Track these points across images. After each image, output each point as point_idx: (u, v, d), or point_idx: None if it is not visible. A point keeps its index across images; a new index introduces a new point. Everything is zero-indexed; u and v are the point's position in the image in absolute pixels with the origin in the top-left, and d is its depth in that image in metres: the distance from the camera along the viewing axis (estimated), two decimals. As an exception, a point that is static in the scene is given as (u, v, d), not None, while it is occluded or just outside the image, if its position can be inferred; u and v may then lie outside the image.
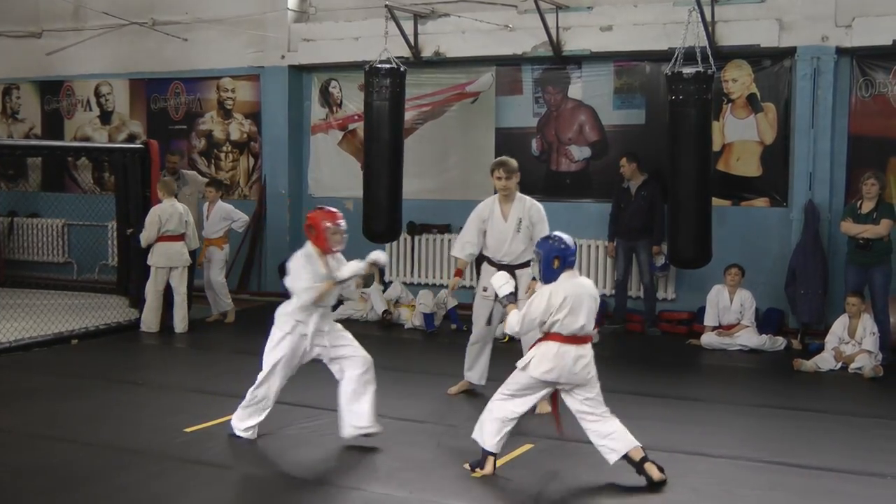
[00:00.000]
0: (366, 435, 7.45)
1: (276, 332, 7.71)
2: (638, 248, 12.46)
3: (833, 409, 8.87)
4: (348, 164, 14.80)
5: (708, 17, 11.82)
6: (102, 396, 9.04)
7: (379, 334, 12.47)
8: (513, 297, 6.97)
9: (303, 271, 7.66)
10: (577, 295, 6.61)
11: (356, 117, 14.63)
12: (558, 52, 13.05)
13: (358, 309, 13.28)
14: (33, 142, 16.26)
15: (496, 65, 13.76)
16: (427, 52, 13.77)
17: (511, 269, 8.58)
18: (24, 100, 17.39)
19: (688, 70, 10.97)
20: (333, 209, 7.84)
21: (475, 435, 6.86)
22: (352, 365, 7.62)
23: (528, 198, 8.91)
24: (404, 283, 14.00)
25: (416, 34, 13.71)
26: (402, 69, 12.62)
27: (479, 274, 9.35)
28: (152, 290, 12.24)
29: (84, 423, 8.08)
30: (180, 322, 12.30)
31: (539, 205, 8.89)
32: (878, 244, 10.73)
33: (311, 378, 9.79)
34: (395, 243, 14.13)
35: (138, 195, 12.74)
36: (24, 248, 17.00)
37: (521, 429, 7.90)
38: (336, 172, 14.90)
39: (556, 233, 6.94)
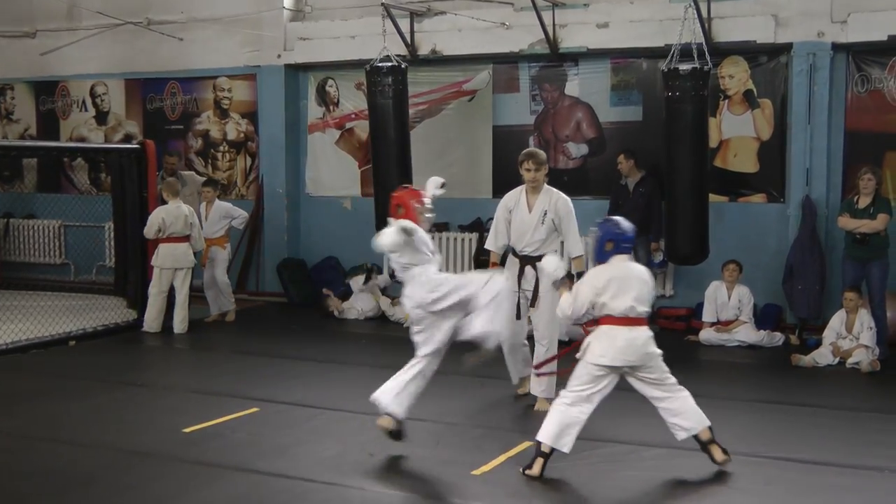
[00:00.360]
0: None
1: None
2: (636, 245, 12.43)
3: (831, 404, 8.89)
4: (346, 163, 14.80)
5: (704, 14, 11.82)
6: (101, 398, 9.01)
7: (374, 332, 12.49)
8: (566, 280, 6.99)
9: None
10: (623, 277, 6.68)
11: (353, 116, 14.63)
12: (555, 49, 13.05)
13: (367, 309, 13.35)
14: (29, 143, 16.21)
15: (493, 63, 13.76)
16: (423, 51, 13.76)
17: (532, 260, 8.58)
18: (18, 100, 17.35)
19: (684, 66, 10.99)
20: (416, 188, 7.88)
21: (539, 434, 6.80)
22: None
23: (555, 190, 8.81)
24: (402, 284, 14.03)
25: (412, 32, 13.70)
26: (403, 66, 12.62)
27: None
28: (156, 291, 12.24)
29: (83, 425, 8.08)
30: (180, 323, 12.29)
31: (567, 198, 8.79)
32: (875, 239, 10.75)
33: (311, 378, 9.84)
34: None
35: (135, 196, 12.70)
36: (20, 250, 16.96)
37: (522, 427, 7.95)
38: (334, 171, 14.90)
39: (617, 217, 7.03)
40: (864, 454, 7.30)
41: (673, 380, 6.83)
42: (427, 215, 7.62)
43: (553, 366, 8.32)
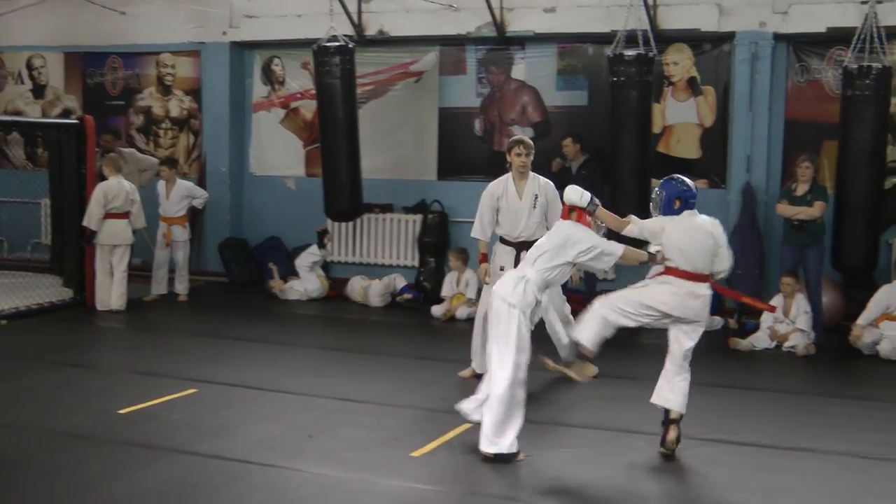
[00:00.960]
0: None
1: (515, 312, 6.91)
2: None
3: (768, 387, 9.02)
4: (290, 142, 14.70)
5: (650, 1, 11.91)
6: (34, 378, 8.87)
7: (326, 314, 12.46)
8: (595, 202, 7.00)
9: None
10: (688, 229, 6.84)
11: (299, 95, 14.53)
12: (502, 32, 13.05)
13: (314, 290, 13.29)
14: (-38, 116, 15.89)
15: (440, 44, 13.73)
16: (371, 31, 13.69)
17: (528, 245, 8.34)
18: (-47, 72, 17.03)
19: (630, 53, 11.06)
20: None
21: (575, 334, 6.97)
22: None
23: (539, 176, 8.99)
24: (346, 264, 14.03)
25: (359, 12, 13.62)
26: (350, 46, 12.55)
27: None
28: (99, 268, 12.13)
29: (14, 406, 7.95)
30: (118, 299, 12.15)
31: (551, 183, 8.98)
32: (812, 226, 10.89)
33: (251, 359, 9.79)
34: (337, 224, 14.09)
35: (73, 172, 12.51)
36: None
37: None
38: (278, 151, 14.79)
39: (678, 175, 7.16)
40: (800, 436, 7.43)
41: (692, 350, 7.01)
42: None
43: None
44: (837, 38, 11.70)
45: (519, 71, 13.43)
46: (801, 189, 11.01)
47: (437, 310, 12.18)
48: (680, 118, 12.69)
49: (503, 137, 13.44)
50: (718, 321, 11.72)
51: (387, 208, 14.05)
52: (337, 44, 12.46)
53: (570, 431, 7.50)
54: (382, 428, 7.47)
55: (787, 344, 10.58)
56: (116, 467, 6.50)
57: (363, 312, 12.64)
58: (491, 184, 9.07)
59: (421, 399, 8.28)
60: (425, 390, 8.61)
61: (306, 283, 13.32)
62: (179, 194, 13.11)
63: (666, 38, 12.33)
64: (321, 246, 13.49)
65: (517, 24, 13.03)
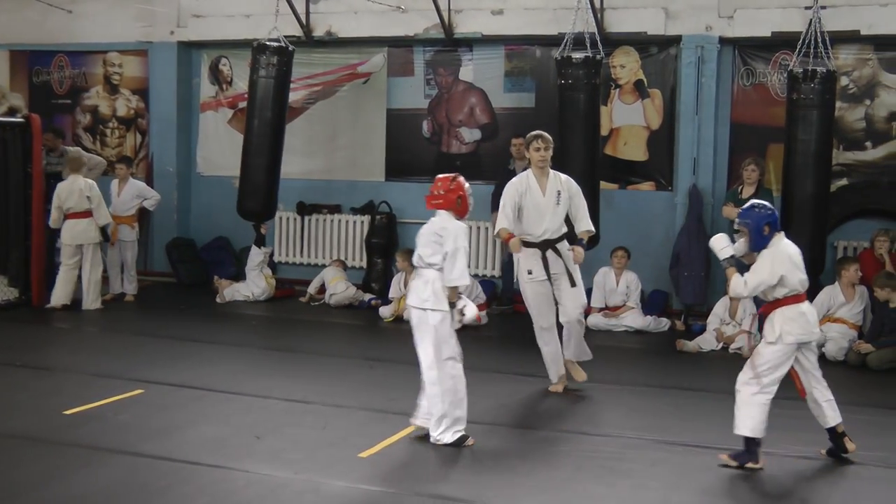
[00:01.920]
0: None
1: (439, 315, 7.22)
2: None
3: (714, 388, 9.05)
4: (238, 142, 14.51)
5: (597, 4, 12.00)
6: (-23, 378, 8.78)
7: (273, 315, 12.41)
8: (733, 261, 7.05)
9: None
10: (791, 254, 6.93)
11: (246, 95, 14.43)
12: (450, 34, 13.08)
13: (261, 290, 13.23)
14: None
15: (388, 46, 13.74)
16: (319, 32, 13.67)
17: (552, 243, 8.54)
18: None
19: (577, 55, 11.12)
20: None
21: (738, 430, 6.85)
22: None
23: (560, 173, 8.76)
24: (294, 265, 14.00)
25: (307, 13, 13.60)
26: (290, 48, 12.51)
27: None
28: (62, 266, 12.16)
29: (-44, 406, 7.86)
30: (91, 302, 12.22)
31: (571, 178, 8.79)
32: (757, 228, 10.99)
33: (198, 359, 9.73)
34: (285, 223, 14.07)
35: (18, 171, 12.36)
36: None
37: (409, 410, 7.95)
38: (225, 151, 14.69)
39: (757, 200, 7.24)
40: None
41: None
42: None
43: None
44: (782, 42, 11.85)
45: (467, 72, 13.47)
46: (747, 192, 11.14)
47: (384, 311, 12.18)
48: (627, 120, 12.79)
49: (451, 139, 13.49)
50: (665, 322, 11.83)
51: (335, 209, 14.03)
52: (276, 44, 12.42)
53: (516, 433, 7.53)
54: (330, 429, 7.46)
55: (733, 345, 10.68)
56: (59, 469, 6.43)
57: (310, 313, 12.59)
58: (512, 181, 8.73)
59: (368, 400, 8.27)
60: (373, 391, 8.61)
61: (253, 286, 13.23)
62: (131, 193, 13.03)
63: (613, 42, 12.43)
64: (260, 242, 13.41)
65: (465, 26, 13.08)
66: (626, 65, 12.74)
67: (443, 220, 7.29)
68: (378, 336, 11.45)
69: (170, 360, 9.61)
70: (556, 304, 8.73)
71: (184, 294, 13.71)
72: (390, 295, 12.37)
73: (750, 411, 6.83)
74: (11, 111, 15.47)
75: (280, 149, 12.78)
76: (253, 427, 7.41)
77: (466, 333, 11.27)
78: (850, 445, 6.98)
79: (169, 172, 14.73)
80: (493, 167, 13.07)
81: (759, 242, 6.97)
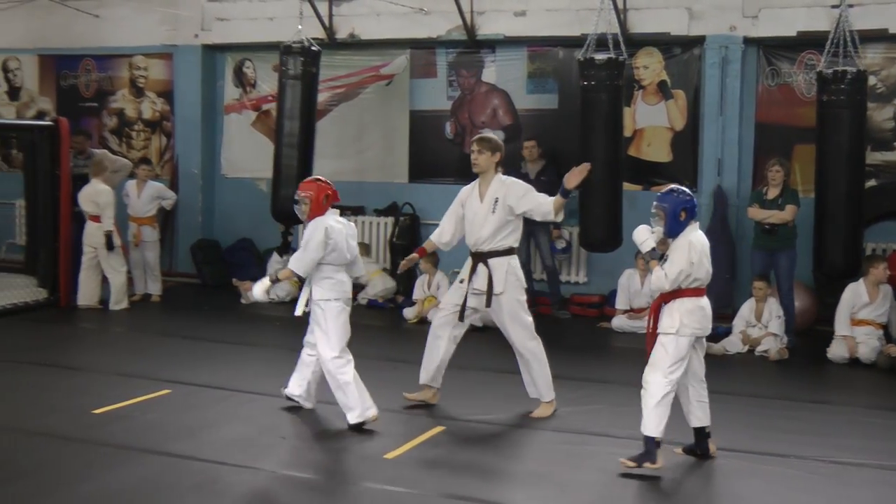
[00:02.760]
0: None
1: (331, 312, 7.76)
2: (536, 232, 12.46)
3: (739, 391, 9.04)
4: (261, 144, 14.69)
5: (620, 5, 11.98)
6: (7, 378, 8.85)
7: (286, 315, 12.41)
8: (655, 254, 6.79)
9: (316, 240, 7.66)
10: (704, 246, 6.79)
11: (270, 98, 14.51)
12: (472, 35, 13.10)
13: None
14: (-64, 118, 15.81)
15: (410, 48, 13.77)
16: (341, 34, 13.72)
17: (483, 257, 7.91)
18: (-74, 74, 16.93)
19: (600, 56, 11.09)
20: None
21: (646, 430, 6.63)
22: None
23: (508, 177, 8.16)
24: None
25: (330, 15, 13.65)
26: (315, 49, 12.56)
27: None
28: (85, 265, 12.33)
29: (-14, 406, 7.95)
30: (114, 304, 12.35)
31: (517, 180, 8.22)
32: (783, 229, 10.96)
33: (223, 360, 9.78)
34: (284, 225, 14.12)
35: (47, 173, 12.49)
36: (-75, 226, 16.53)
37: (433, 411, 8.00)
38: (249, 153, 14.78)
39: (676, 185, 7.09)
40: (771, 440, 7.47)
41: None
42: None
43: None
44: (808, 41, 11.81)
45: (489, 74, 13.49)
46: (772, 193, 11.09)
47: (408, 312, 12.21)
48: (650, 121, 12.77)
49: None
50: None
51: (358, 211, 14.07)
52: (302, 46, 12.46)
53: (529, 432, 7.54)
54: (356, 430, 7.48)
55: (759, 348, 10.64)
56: (89, 467, 6.51)
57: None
58: (464, 188, 8.34)
59: (393, 401, 8.29)
60: (397, 392, 8.63)
61: (277, 287, 13.25)
62: (149, 195, 13.11)
63: (636, 42, 12.41)
64: (283, 250, 13.47)
65: (487, 28, 13.09)
66: (649, 66, 12.72)
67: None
68: (402, 337, 11.48)
69: (196, 360, 9.68)
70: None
71: (208, 295, 13.78)
72: (414, 296, 12.39)
73: (660, 411, 6.63)
74: (40, 114, 15.64)
75: (311, 150, 12.79)
76: (278, 427, 7.46)
77: (490, 336, 11.33)
78: (713, 448, 6.94)
79: (193, 174, 14.82)
80: (515, 169, 13.06)
81: (674, 228, 6.74)
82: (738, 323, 10.96)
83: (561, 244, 12.61)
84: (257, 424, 7.54)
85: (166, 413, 7.77)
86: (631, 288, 11.83)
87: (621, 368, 9.92)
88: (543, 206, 7.94)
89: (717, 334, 11.27)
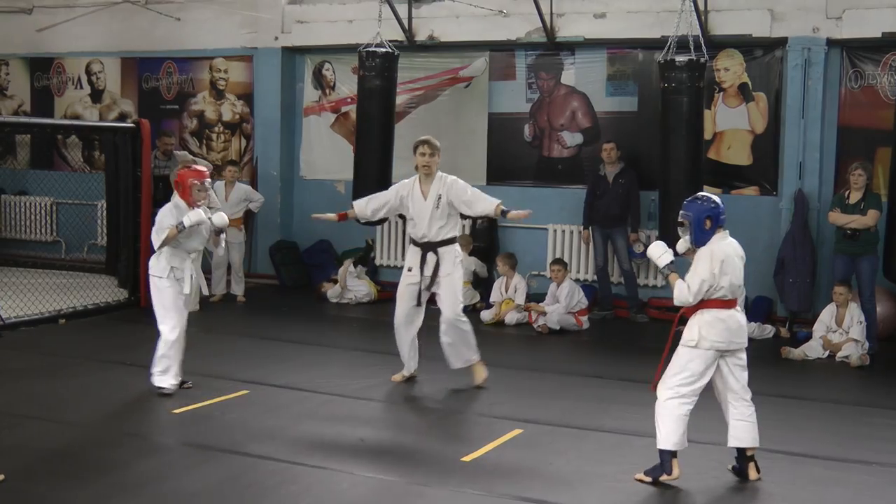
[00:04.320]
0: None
1: (154, 283, 8.50)
2: (614, 236, 12.47)
3: (820, 397, 8.94)
4: (340, 146, 14.79)
5: (701, 6, 11.86)
6: (90, 377, 9.02)
7: (375, 318, 12.51)
8: (674, 266, 6.66)
9: (163, 218, 8.31)
10: (730, 255, 6.55)
11: (349, 100, 14.60)
12: (552, 38, 13.06)
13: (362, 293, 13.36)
14: (22, 119, 16.09)
15: (490, 50, 13.76)
16: (421, 37, 13.76)
17: (433, 246, 8.79)
18: (13, 76, 17.28)
19: (680, 58, 11.01)
20: (202, 169, 8.46)
21: (660, 444, 6.50)
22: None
23: (448, 175, 8.92)
24: (396, 268, 14.05)
25: (410, 18, 13.70)
26: (395, 53, 12.61)
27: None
28: None
29: (70, 403, 8.09)
30: (192, 304, 12.38)
31: (457, 178, 8.92)
32: (865, 234, 10.79)
33: (301, 361, 9.86)
34: (386, 226, 14.17)
35: (129, 174, 12.69)
36: (11, 227, 16.89)
37: (510, 414, 7.99)
38: (328, 155, 14.89)
39: (703, 192, 6.89)
40: (852, 447, 7.36)
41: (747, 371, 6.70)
42: (204, 193, 8.31)
43: None
44: (892, 43, 11.61)
45: (569, 76, 13.43)
46: (854, 197, 10.91)
47: (485, 315, 12.20)
48: (731, 124, 12.63)
49: (552, 143, 13.47)
50: (770, 329, 11.65)
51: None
52: (381, 49, 12.50)
53: (619, 439, 7.49)
54: (433, 432, 7.51)
55: (840, 354, 10.47)
56: (169, 467, 6.60)
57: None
58: (401, 182, 9.13)
59: (470, 404, 8.30)
60: (474, 395, 8.64)
61: (355, 290, 13.37)
62: (238, 196, 13.27)
63: (717, 44, 12.28)
64: (361, 262, 13.58)
65: (567, 30, 13.04)
66: (730, 68, 12.57)
67: None
68: (478, 340, 11.43)
69: (274, 361, 9.77)
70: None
71: (286, 296, 13.91)
72: (491, 299, 12.39)
73: (669, 424, 6.45)
74: (122, 116, 15.91)
75: (390, 152, 12.83)
76: (357, 429, 7.49)
77: (567, 339, 11.33)
78: (752, 473, 6.59)
79: (273, 176, 14.96)
80: (593, 172, 13.02)
81: (699, 237, 6.52)
82: (819, 328, 10.79)
83: (639, 248, 12.53)
84: (336, 426, 7.59)
85: (245, 413, 7.85)
86: (710, 292, 11.67)
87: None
88: (486, 204, 8.83)
89: (798, 339, 11.15)
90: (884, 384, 9.67)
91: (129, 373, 9.21)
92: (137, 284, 12.51)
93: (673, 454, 6.48)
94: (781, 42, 12.14)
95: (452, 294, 8.82)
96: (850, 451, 7.25)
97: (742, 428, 6.58)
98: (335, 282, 13.51)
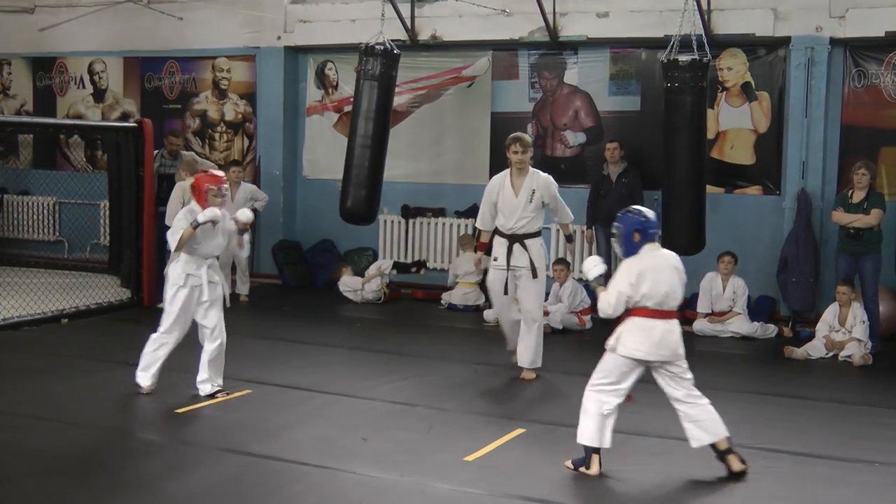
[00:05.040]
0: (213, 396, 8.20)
1: (169, 287, 8.28)
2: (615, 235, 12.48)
3: (823, 397, 8.93)
4: (343, 146, 14.69)
5: (704, 6, 11.84)
6: (93, 376, 9.01)
7: (380, 318, 12.49)
8: (602, 280, 6.80)
9: (178, 223, 8.17)
10: (656, 267, 6.59)
11: (352, 99, 14.58)
12: (555, 37, 13.06)
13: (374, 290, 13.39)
14: (25, 118, 16.09)
15: (492, 49, 13.77)
16: (423, 36, 13.76)
17: (520, 237, 9.17)
18: (15, 76, 17.29)
19: (683, 58, 10.99)
20: (219, 174, 8.40)
21: (579, 438, 6.63)
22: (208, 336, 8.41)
23: (540, 172, 9.30)
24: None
25: (412, 17, 13.69)
26: (395, 52, 12.60)
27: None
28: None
29: (72, 403, 8.07)
30: None
31: (552, 178, 9.31)
32: (868, 233, 10.78)
33: (304, 360, 9.85)
34: (389, 226, 14.17)
35: (131, 174, 12.69)
36: (14, 226, 16.91)
37: (514, 413, 7.98)
38: (331, 154, 14.87)
39: (637, 206, 6.96)
40: (854, 447, 7.35)
41: (692, 379, 6.72)
42: (220, 199, 8.17)
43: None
44: (896, 42, 11.63)
45: (571, 76, 13.43)
46: (858, 196, 10.91)
47: (489, 314, 12.19)
48: (734, 124, 12.63)
49: (555, 142, 13.47)
50: (772, 329, 11.65)
51: (439, 212, 14.11)
52: (382, 47, 12.49)
53: (622, 438, 7.48)
54: (435, 432, 7.50)
55: (842, 353, 10.46)
56: (174, 467, 6.59)
57: (417, 316, 12.67)
58: (492, 179, 9.51)
59: (472, 403, 8.30)
60: (476, 394, 8.64)
61: (368, 287, 13.35)
62: (244, 196, 13.25)
63: (720, 44, 12.28)
64: (402, 269, 13.63)
65: (570, 29, 13.04)
66: (733, 67, 12.57)
67: None
68: (481, 339, 11.45)
69: (277, 360, 9.77)
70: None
71: (289, 296, 13.90)
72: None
73: (589, 421, 6.57)
74: (124, 116, 15.91)
75: (383, 152, 12.77)
76: (359, 428, 7.48)
77: (570, 338, 11.32)
78: (735, 465, 6.60)
79: (275, 176, 14.96)
80: (597, 171, 13.01)
81: (628, 249, 6.67)
82: (822, 328, 10.78)
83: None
84: (338, 425, 7.58)
85: (248, 413, 7.85)
86: (713, 291, 11.70)
87: (702, 372, 9.73)
88: (563, 216, 9.54)
89: (800, 339, 11.15)
90: (887, 384, 9.65)
91: (132, 373, 9.16)
92: (140, 284, 12.53)
93: (595, 451, 6.58)
94: (785, 41, 12.14)
95: (539, 288, 9.26)
96: (853, 451, 7.23)
97: (693, 428, 6.66)
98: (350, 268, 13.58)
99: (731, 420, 7.91)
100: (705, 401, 6.70)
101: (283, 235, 14.93)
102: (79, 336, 10.89)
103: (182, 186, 12.17)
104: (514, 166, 9.23)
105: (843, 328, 10.64)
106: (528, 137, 9.30)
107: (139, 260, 12.56)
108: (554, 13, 12.92)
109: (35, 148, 17.18)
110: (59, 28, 16.15)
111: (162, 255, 12.64)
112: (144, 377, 8.34)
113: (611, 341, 6.61)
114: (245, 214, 8.54)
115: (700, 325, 11.65)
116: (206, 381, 8.29)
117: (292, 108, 15.08)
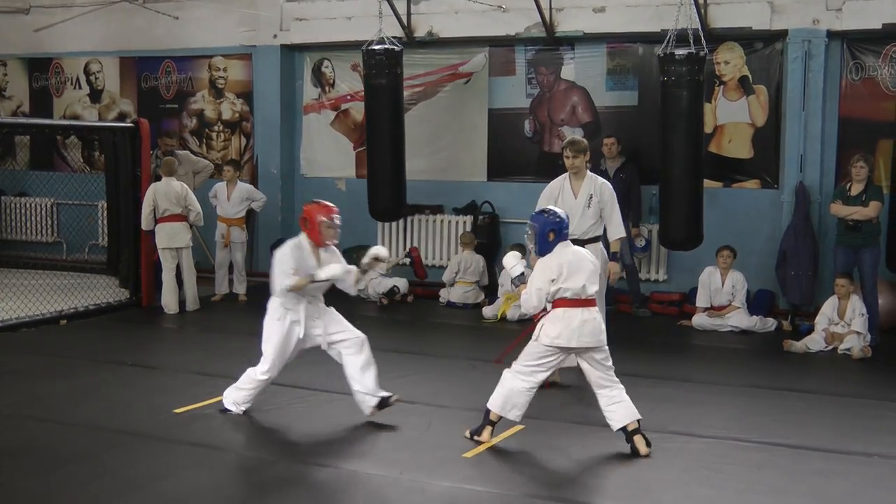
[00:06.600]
0: (385, 403, 7.61)
1: (267, 320, 7.82)
2: None
3: (822, 390, 8.93)
4: (340, 144, 14.79)
5: (700, 0, 11.82)
6: (91, 377, 9.01)
7: (376, 315, 12.47)
8: (523, 278, 7.13)
9: (286, 260, 7.79)
10: (571, 261, 6.95)
11: (349, 97, 14.60)
12: (551, 32, 13.04)
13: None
14: (21, 119, 16.09)
15: (489, 45, 13.74)
16: (420, 33, 13.74)
17: (581, 244, 8.68)
18: (11, 77, 17.26)
19: (680, 52, 10.98)
20: (330, 204, 7.93)
21: (489, 402, 7.11)
22: (348, 347, 7.72)
23: (598, 177, 9.19)
24: (396, 265, 14.07)
25: (408, 14, 13.68)
26: (398, 48, 12.59)
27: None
28: (164, 271, 12.25)
29: (71, 404, 8.08)
30: (191, 302, 12.42)
31: (609, 185, 9.15)
32: (867, 226, 10.78)
33: (302, 360, 9.82)
34: (387, 224, 14.16)
35: (129, 174, 12.68)
36: (12, 228, 16.89)
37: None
38: (328, 152, 14.87)
39: (550, 207, 7.35)
40: (854, 440, 7.34)
41: (612, 366, 7.04)
42: (333, 231, 7.86)
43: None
44: (893, 34, 11.60)
45: (568, 71, 13.41)
46: (856, 189, 10.89)
47: (488, 311, 12.19)
48: (731, 117, 12.61)
49: (553, 138, 13.45)
50: (772, 322, 11.64)
51: (437, 210, 14.09)
52: (385, 46, 12.48)
53: (602, 432, 7.48)
54: (434, 429, 7.49)
55: (842, 346, 10.46)
56: (172, 466, 6.59)
57: (415, 313, 12.66)
58: (551, 183, 9.21)
59: (471, 400, 8.27)
60: (475, 391, 8.61)
61: (376, 283, 13.31)
62: (240, 196, 13.25)
63: (717, 37, 12.26)
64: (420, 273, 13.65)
65: (566, 25, 13.02)
66: (730, 61, 12.55)
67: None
68: (480, 336, 11.44)
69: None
70: None
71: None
72: (499, 294, 12.39)
73: (502, 391, 7.05)
74: (121, 116, 15.89)
75: (402, 146, 12.93)
76: (358, 427, 7.47)
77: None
78: (642, 448, 6.85)
79: (273, 174, 14.94)
80: (595, 167, 12.97)
81: (542, 247, 7.01)
82: (821, 321, 10.77)
83: (640, 242, 12.52)
84: (337, 423, 7.58)
85: (247, 413, 7.82)
86: (711, 285, 11.69)
87: (701, 366, 9.83)
88: (615, 228, 9.09)
89: (800, 332, 11.14)
90: (886, 376, 9.65)
91: (130, 373, 9.21)
92: (139, 284, 12.52)
93: (491, 421, 7.07)
94: (782, 34, 12.13)
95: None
96: (852, 443, 7.23)
97: (612, 410, 6.95)
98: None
99: (730, 413, 7.97)
100: (621, 386, 7.03)
101: (282, 234, 14.86)
102: (77, 337, 10.89)
103: (155, 188, 12.15)
104: (570, 171, 9.03)
105: (842, 321, 10.63)
106: (582, 142, 9.06)
107: (137, 260, 12.54)
108: (550, 8, 12.90)
109: (32, 149, 17.15)
110: (55, 28, 16.12)
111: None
112: (233, 405, 7.80)
113: (534, 331, 7.00)
114: (381, 252, 7.96)
115: (699, 320, 11.64)
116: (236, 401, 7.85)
117: (289, 107, 15.06)
